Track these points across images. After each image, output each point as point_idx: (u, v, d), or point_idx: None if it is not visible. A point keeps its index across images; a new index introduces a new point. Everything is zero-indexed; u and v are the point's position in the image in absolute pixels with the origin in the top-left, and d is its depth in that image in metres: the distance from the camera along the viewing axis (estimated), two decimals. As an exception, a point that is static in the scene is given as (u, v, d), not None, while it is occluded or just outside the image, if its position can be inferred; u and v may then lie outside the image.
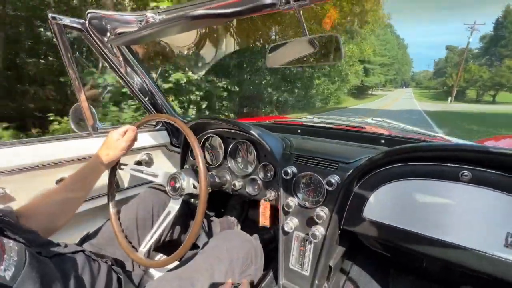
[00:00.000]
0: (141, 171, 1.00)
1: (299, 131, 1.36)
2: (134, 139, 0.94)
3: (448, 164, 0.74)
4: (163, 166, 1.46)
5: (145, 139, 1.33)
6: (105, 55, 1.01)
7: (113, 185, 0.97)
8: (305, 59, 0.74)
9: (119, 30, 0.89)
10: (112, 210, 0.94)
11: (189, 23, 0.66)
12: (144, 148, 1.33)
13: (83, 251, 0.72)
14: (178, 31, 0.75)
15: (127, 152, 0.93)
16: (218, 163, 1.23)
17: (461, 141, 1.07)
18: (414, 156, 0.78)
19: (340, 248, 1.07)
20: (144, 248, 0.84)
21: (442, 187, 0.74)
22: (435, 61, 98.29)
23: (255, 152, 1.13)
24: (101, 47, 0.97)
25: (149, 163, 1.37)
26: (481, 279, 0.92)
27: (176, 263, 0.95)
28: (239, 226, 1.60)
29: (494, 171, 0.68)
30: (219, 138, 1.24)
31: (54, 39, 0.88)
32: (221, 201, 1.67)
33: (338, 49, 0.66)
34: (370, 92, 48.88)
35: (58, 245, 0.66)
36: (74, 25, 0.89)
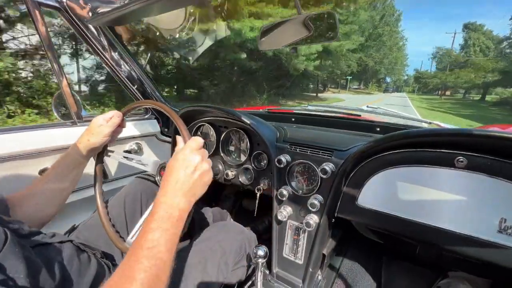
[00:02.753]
0: (130, 159, 0.96)
1: (293, 119, 1.33)
2: (120, 126, 0.89)
3: (444, 150, 0.72)
4: (153, 156, 1.42)
5: (134, 128, 1.28)
6: (86, 37, 0.94)
7: (100, 174, 0.93)
8: (299, 39, 0.70)
9: (100, 10, 0.82)
10: (99, 199, 0.90)
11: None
12: (133, 137, 1.29)
13: (71, 241, 0.69)
14: (164, 9, 0.70)
15: (112, 139, 0.88)
16: (211, 153, 1.20)
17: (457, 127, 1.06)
18: (409, 142, 0.76)
19: (334, 236, 1.07)
20: (132, 238, 0.81)
21: (437, 173, 0.73)
22: (436, 56, 59.89)
23: (248, 140, 1.10)
24: (81, 28, 0.91)
25: (138, 152, 1.32)
26: (474, 264, 0.93)
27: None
28: (233, 217, 1.59)
29: (490, 157, 0.67)
30: (211, 127, 1.20)
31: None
32: (215, 192, 1.65)
33: (333, 26, 0.62)
34: (314, 93, 24.62)
35: (44, 234, 0.63)
36: (51, 2, 0.82)
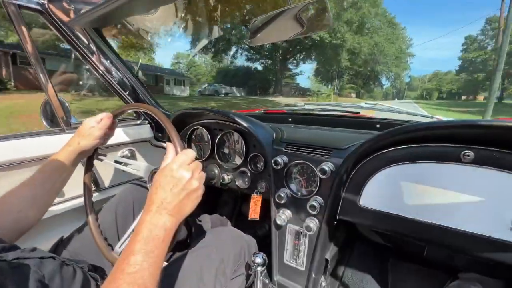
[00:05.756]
0: (124, 164, 0.92)
1: (290, 119, 1.30)
2: (111, 128, 0.85)
3: (448, 144, 0.68)
4: (146, 162, 1.38)
5: (127, 133, 1.25)
6: (71, 41, 0.91)
7: (90, 180, 0.88)
8: (291, 31, 0.66)
9: (84, 11, 0.79)
10: (88, 208, 0.86)
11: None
12: (125, 144, 1.25)
13: (52, 257, 0.65)
14: (148, 6, 0.67)
15: (103, 142, 0.85)
16: (206, 156, 1.16)
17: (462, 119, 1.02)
18: (411, 137, 0.72)
19: (336, 239, 1.02)
20: (120, 247, 0.76)
21: (442, 169, 0.69)
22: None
23: (243, 142, 1.06)
24: (65, 31, 0.87)
25: (131, 159, 1.28)
26: (486, 264, 0.88)
27: (164, 264, 0.88)
28: (233, 223, 1.54)
29: (499, 149, 0.63)
30: (205, 130, 1.16)
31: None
32: (212, 197, 1.60)
33: (325, 14, 0.59)
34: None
35: (22, 250, 0.59)
36: (32, 5, 0.79)
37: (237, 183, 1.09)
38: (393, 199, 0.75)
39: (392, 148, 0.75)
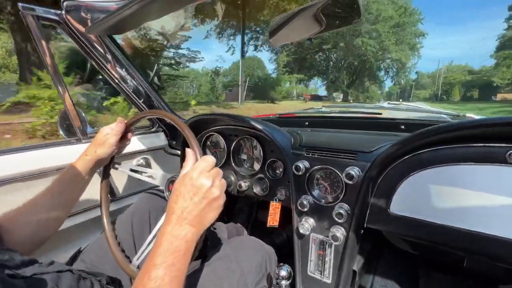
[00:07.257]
0: (139, 172, 0.91)
1: (306, 123, 1.26)
2: (126, 134, 0.85)
3: (492, 144, 0.62)
4: (161, 170, 1.37)
5: (141, 142, 1.24)
6: (88, 50, 0.91)
7: (106, 189, 0.87)
8: (318, 28, 0.62)
9: (99, 19, 0.79)
10: (105, 219, 0.84)
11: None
12: (140, 152, 1.24)
13: (70, 270, 0.63)
14: (164, 10, 0.65)
15: (119, 150, 0.84)
16: (221, 163, 1.13)
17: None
18: (450, 137, 0.66)
19: (363, 249, 0.95)
20: (138, 259, 0.73)
21: (485, 171, 0.62)
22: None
23: (260, 148, 1.02)
24: (82, 41, 0.88)
25: (146, 168, 1.27)
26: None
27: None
28: (249, 231, 1.49)
29: None
30: (220, 136, 1.13)
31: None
32: (228, 205, 1.57)
33: (355, 5, 0.54)
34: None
35: (40, 264, 0.57)
36: (50, 16, 0.80)
37: (254, 190, 1.05)
38: (427, 205, 0.69)
39: (425, 150, 0.69)
